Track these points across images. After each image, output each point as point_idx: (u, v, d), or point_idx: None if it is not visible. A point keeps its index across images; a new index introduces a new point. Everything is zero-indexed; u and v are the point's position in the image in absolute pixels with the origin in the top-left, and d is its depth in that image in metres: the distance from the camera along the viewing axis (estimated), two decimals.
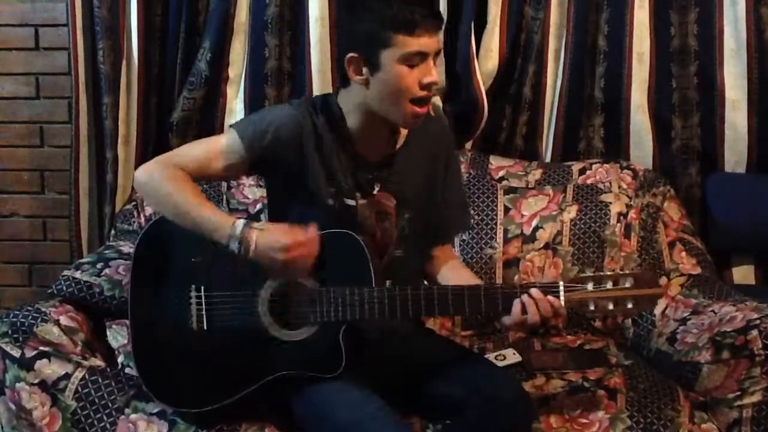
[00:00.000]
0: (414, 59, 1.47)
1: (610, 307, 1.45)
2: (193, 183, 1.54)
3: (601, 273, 1.49)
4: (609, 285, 1.45)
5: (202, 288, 1.55)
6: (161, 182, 1.53)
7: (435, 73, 1.50)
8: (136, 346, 1.60)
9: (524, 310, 1.45)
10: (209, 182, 2.12)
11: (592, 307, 1.46)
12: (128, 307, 1.60)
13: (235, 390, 1.53)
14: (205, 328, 1.55)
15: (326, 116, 1.59)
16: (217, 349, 1.55)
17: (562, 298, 1.46)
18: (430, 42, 1.48)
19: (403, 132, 1.64)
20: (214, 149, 1.57)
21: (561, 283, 1.47)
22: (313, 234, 1.47)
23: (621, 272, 1.49)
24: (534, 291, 1.45)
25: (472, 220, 2.07)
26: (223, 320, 1.55)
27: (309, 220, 1.53)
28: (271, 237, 1.46)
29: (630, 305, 1.45)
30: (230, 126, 1.60)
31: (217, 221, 1.49)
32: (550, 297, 1.45)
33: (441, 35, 1.53)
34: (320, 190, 1.57)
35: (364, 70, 1.50)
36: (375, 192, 1.60)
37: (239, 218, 1.49)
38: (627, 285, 1.45)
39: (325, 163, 1.58)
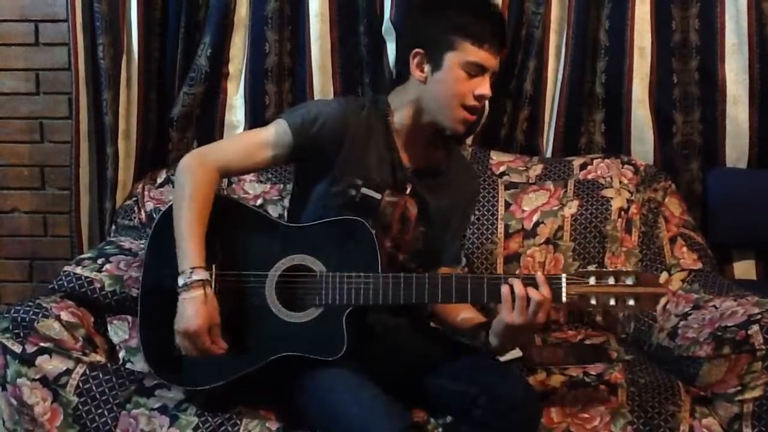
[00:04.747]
0: (473, 69, 1.56)
1: (611, 302, 1.45)
2: (210, 200, 1.56)
3: (604, 269, 1.49)
4: (611, 281, 1.46)
5: (213, 266, 1.56)
6: (188, 181, 1.56)
7: (488, 88, 1.59)
8: (143, 322, 1.60)
9: (513, 298, 1.45)
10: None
11: (593, 302, 1.46)
12: (140, 282, 1.62)
13: (237, 369, 1.54)
14: None
15: (373, 111, 1.64)
16: (223, 328, 1.55)
17: (564, 290, 1.46)
18: (492, 59, 1.58)
19: (441, 156, 1.70)
20: (263, 139, 1.61)
21: (563, 275, 1.47)
22: (216, 351, 1.51)
23: (624, 269, 1.50)
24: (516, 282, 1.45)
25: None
26: (230, 300, 1.56)
27: (326, 207, 1.60)
28: (198, 313, 1.48)
29: (631, 302, 1.45)
30: (279, 116, 1.64)
31: (189, 251, 1.51)
32: (540, 289, 1.44)
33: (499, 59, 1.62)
34: (346, 180, 1.60)
35: (426, 67, 1.59)
36: (406, 193, 1.64)
37: (204, 270, 1.50)
38: (629, 282, 1.45)
39: (360, 155, 1.61)
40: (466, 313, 1.66)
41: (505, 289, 1.45)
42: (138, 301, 1.63)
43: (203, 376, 1.57)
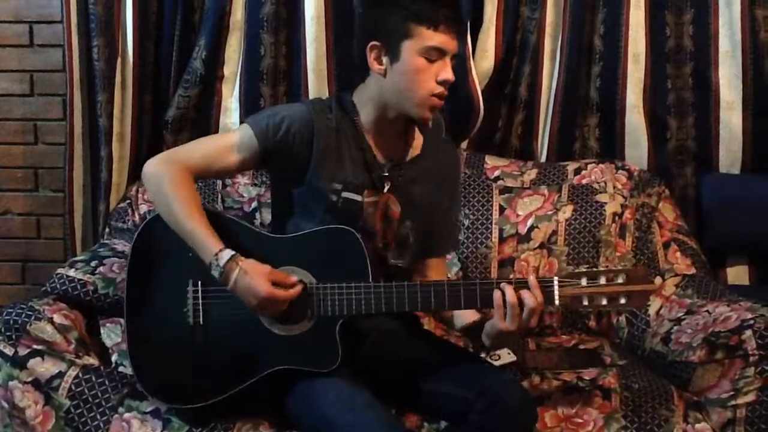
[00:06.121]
0: (433, 54, 1.52)
1: (603, 302, 1.46)
2: (194, 190, 1.55)
3: (595, 269, 1.49)
4: (602, 281, 1.46)
5: (200, 283, 1.55)
6: (165, 183, 1.53)
7: (451, 72, 1.54)
8: (132, 342, 1.59)
9: (505, 303, 1.44)
10: (213, 179, 2.15)
11: (585, 303, 1.46)
12: (124, 302, 1.60)
13: (230, 386, 1.53)
14: (201, 323, 1.55)
15: (340, 112, 1.61)
16: (214, 344, 1.55)
17: (556, 293, 1.46)
18: (450, 41, 1.54)
19: (416, 144, 1.67)
20: (227, 143, 1.58)
21: (555, 278, 1.47)
22: (294, 292, 1.49)
23: (614, 268, 1.50)
24: (508, 288, 1.44)
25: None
26: (220, 315, 1.55)
27: (310, 214, 1.58)
28: (252, 282, 1.47)
29: (623, 301, 1.46)
30: (244, 121, 1.62)
31: (206, 243, 1.50)
32: (529, 292, 1.44)
33: (459, 41, 1.59)
34: (324, 185, 1.58)
35: (384, 59, 1.56)
36: (385, 191, 1.61)
37: (226, 248, 1.49)
38: (620, 281, 1.46)
39: (333, 158, 1.59)
40: (465, 315, 1.65)
41: (497, 296, 1.45)
42: (125, 324, 1.61)
43: (197, 393, 1.55)
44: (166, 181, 1.53)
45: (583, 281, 1.46)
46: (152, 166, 1.56)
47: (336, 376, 1.50)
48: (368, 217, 1.60)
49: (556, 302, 1.46)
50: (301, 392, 1.51)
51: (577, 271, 1.49)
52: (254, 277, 1.47)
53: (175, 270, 1.56)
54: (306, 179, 1.59)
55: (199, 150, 1.60)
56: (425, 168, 1.67)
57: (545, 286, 1.46)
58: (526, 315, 1.44)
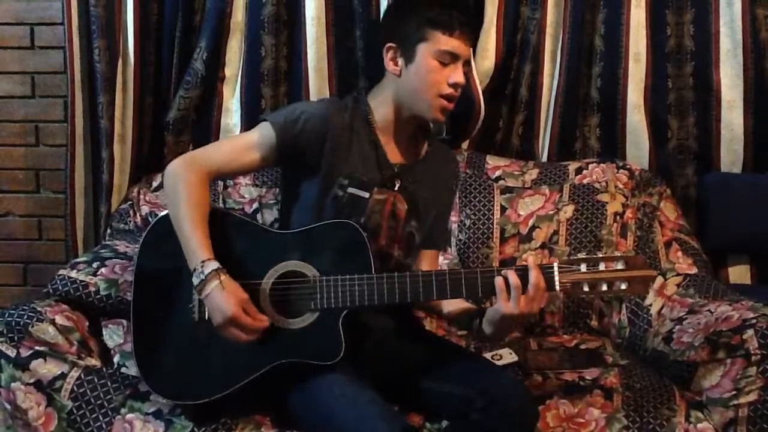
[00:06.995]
0: (446, 57, 1.60)
1: (604, 288, 1.47)
2: (206, 197, 1.58)
3: (595, 255, 1.50)
4: (602, 267, 1.47)
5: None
6: (181, 182, 1.56)
7: (462, 76, 1.62)
8: (137, 339, 1.60)
9: (508, 288, 1.46)
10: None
11: (586, 288, 1.47)
12: (131, 299, 1.61)
13: (235, 381, 1.54)
14: (206, 318, 1.55)
15: (354, 111, 1.66)
16: (218, 340, 1.55)
17: (556, 278, 1.47)
18: (462, 47, 1.62)
19: (424, 149, 1.72)
20: (248, 142, 1.62)
21: (555, 264, 1.48)
22: (262, 325, 1.51)
23: (613, 255, 1.51)
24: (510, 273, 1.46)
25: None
26: None
27: (315, 209, 1.61)
28: (224, 299, 1.48)
29: (623, 287, 1.46)
30: (263, 118, 1.64)
31: (197, 249, 1.51)
32: (533, 278, 1.45)
33: (472, 48, 1.66)
34: (332, 180, 1.61)
35: (400, 61, 1.63)
36: (395, 189, 1.65)
37: (214, 260, 1.50)
38: (619, 267, 1.46)
39: (345, 155, 1.62)
40: (455, 302, 1.68)
41: (499, 281, 1.47)
42: (131, 319, 1.61)
43: (201, 388, 1.56)
44: (183, 181, 1.56)
45: (583, 267, 1.47)
46: (175, 165, 1.60)
47: (339, 372, 1.50)
48: (373, 215, 1.62)
49: (557, 287, 1.47)
50: (304, 387, 1.52)
51: (576, 257, 1.49)
52: (228, 296, 1.48)
53: (181, 267, 1.56)
54: (316, 175, 1.61)
55: (222, 151, 1.64)
56: (429, 171, 1.71)
57: (546, 271, 1.47)
58: (529, 296, 1.45)
